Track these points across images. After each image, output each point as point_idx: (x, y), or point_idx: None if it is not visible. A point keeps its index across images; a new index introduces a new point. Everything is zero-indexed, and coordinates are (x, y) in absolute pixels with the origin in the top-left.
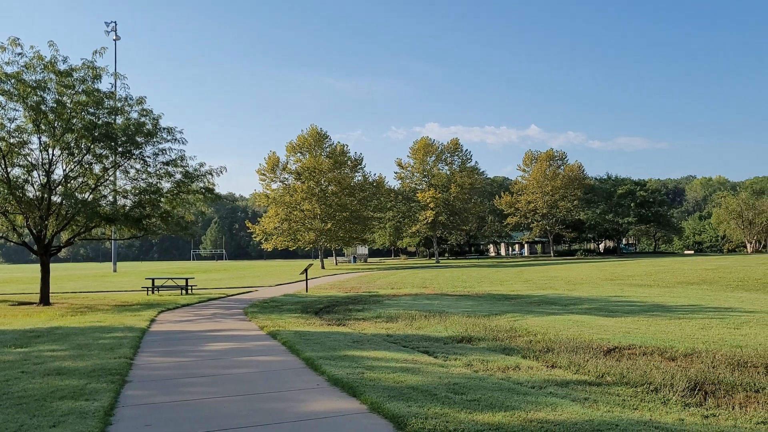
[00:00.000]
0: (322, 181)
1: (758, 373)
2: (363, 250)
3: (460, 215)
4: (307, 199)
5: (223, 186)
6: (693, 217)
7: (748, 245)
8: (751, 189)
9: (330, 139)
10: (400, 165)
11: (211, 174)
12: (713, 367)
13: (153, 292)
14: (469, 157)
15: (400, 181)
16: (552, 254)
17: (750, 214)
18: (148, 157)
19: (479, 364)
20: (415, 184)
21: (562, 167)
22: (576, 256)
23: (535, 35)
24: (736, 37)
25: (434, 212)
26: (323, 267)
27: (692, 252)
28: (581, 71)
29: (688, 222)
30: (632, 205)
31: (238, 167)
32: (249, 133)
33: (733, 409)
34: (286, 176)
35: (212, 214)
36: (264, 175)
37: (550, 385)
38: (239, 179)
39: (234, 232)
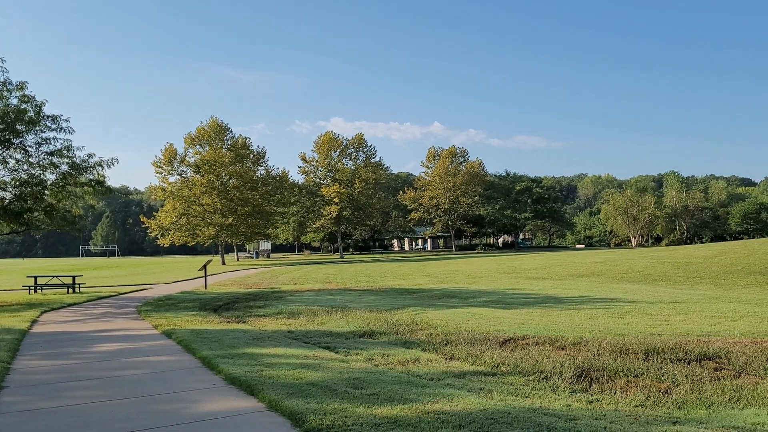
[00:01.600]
0: (223, 175)
1: (638, 359)
2: (266, 245)
3: (365, 210)
4: (207, 192)
5: (115, 179)
6: (584, 213)
7: (633, 239)
8: (635, 187)
9: (231, 131)
10: (304, 159)
11: (101, 165)
12: (598, 355)
13: (36, 291)
14: (373, 152)
15: (304, 176)
16: (453, 249)
17: (634, 210)
18: (30, 146)
19: (380, 358)
20: (320, 178)
21: (463, 164)
22: (476, 251)
23: (436, 34)
24: (628, 39)
25: (339, 207)
26: (224, 263)
27: (583, 246)
28: (483, 71)
29: (580, 218)
30: (529, 201)
31: (132, 159)
32: (144, 124)
33: (615, 393)
34: (185, 169)
35: (103, 208)
36: (160, 167)
37: (448, 376)
38: (133, 172)
39: (128, 227)
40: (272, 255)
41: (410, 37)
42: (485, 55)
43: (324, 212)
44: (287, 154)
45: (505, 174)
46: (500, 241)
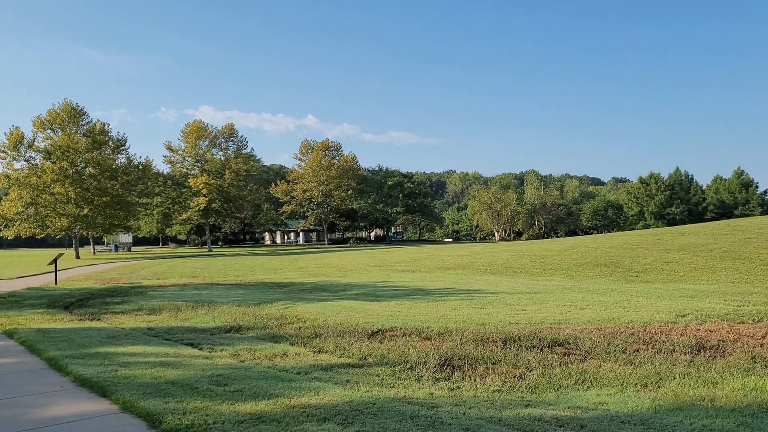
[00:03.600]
0: (78, 162)
1: (497, 347)
2: (126, 238)
3: (235, 202)
4: (59, 181)
5: None
6: (452, 208)
7: (496, 234)
8: (499, 184)
9: (88, 116)
10: (170, 148)
11: None
12: (461, 344)
13: None
14: (245, 143)
15: (170, 165)
16: (326, 242)
17: (498, 206)
18: None
19: (246, 353)
20: (187, 169)
21: (337, 158)
22: (349, 244)
23: (313, 27)
24: (496, 42)
25: (207, 199)
26: (78, 257)
27: (451, 240)
28: (357, 65)
29: (448, 212)
30: (401, 196)
31: None
32: None
33: (475, 380)
34: (33, 155)
35: None
36: (5, 152)
37: (316, 370)
38: None
39: None
40: (134, 248)
41: (281, 27)
42: (359, 52)
43: (191, 204)
44: (152, 143)
45: (378, 169)
46: (372, 234)
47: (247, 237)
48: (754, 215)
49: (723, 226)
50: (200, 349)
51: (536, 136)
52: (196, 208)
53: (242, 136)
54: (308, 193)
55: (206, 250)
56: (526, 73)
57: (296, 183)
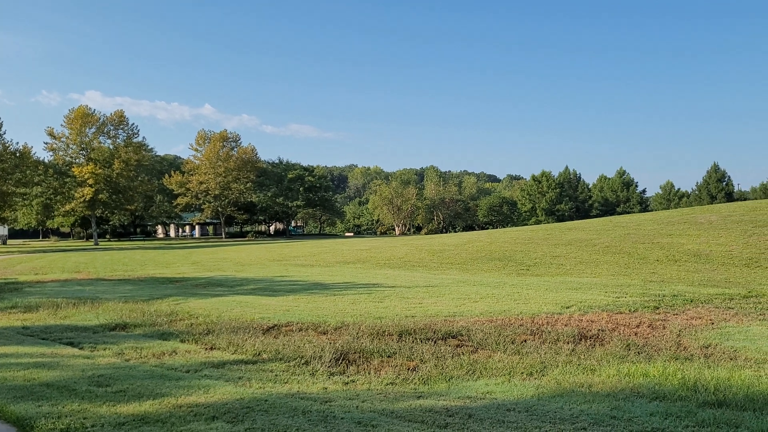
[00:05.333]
0: None
1: (393, 340)
2: (1, 230)
3: (125, 194)
4: None
5: None
6: (354, 202)
7: (397, 228)
8: (400, 179)
9: None
10: (52, 135)
11: None
12: (358, 338)
13: None
14: (136, 131)
15: (52, 153)
16: (223, 236)
17: (399, 201)
18: None
19: (132, 352)
20: (71, 157)
21: (235, 149)
22: (247, 238)
23: (212, 10)
24: (388, 36)
25: (93, 189)
26: None
27: (352, 234)
28: (257, 55)
29: (350, 207)
30: (301, 189)
31: None
32: None
33: (369, 374)
34: None
35: None
36: None
37: (207, 367)
38: None
39: None
40: (9, 241)
41: (179, 13)
42: (260, 42)
43: (76, 194)
44: (32, 128)
45: (278, 161)
46: (272, 228)
47: (138, 230)
48: (634, 212)
49: (606, 223)
50: (81, 348)
51: (436, 133)
52: (81, 199)
53: (133, 123)
54: (205, 185)
55: (92, 243)
56: (422, 71)
57: (192, 174)
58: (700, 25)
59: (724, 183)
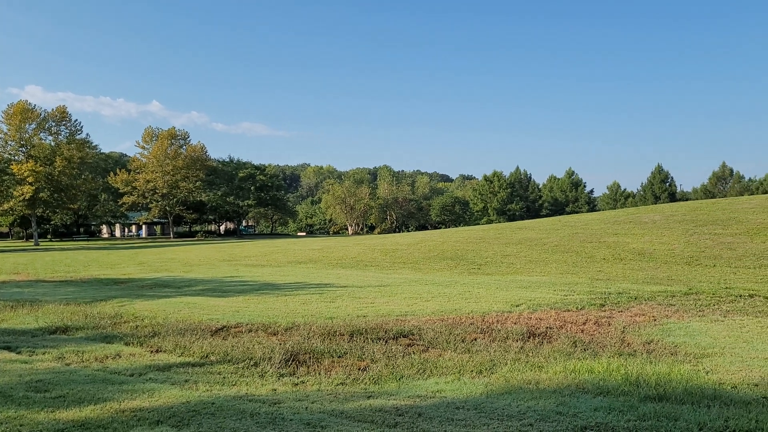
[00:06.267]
0: None
1: (344, 340)
2: None
3: (67, 192)
4: None
5: None
6: (306, 201)
7: (350, 228)
8: (353, 178)
9: None
10: None
11: None
12: (308, 338)
13: None
14: (79, 128)
15: None
16: (172, 236)
17: (352, 200)
18: None
19: (73, 355)
20: (10, 154)
21: (184, 147)
22: (196, 238)
23: (160, 10)
24: (336, 36)
25: (34, 188)
26: None
27: (304, 234)
28: (206, 52)
29: (302, 206)
30: (252, 188)
31: None
32: None
33: (320, 374)
34: None
35: None
36: None
37: (152, 370)
38: None
39: None
40: None
41: (123, 6)
42: (210, 39)
43: (15, 193)
44: None
45: (228, 160)
46: (222, 228)
47: (82, 230)
48: (582, 212)
49: (555, 222)
50: (19, 353)
51: (390, 133)
52: (21, 198)
53: (76, 120)
54: (152, 184)
55: (32, 243)
56: (375, 72)
57: (139, 172)
58: (646, 25)
59: (668, 184)
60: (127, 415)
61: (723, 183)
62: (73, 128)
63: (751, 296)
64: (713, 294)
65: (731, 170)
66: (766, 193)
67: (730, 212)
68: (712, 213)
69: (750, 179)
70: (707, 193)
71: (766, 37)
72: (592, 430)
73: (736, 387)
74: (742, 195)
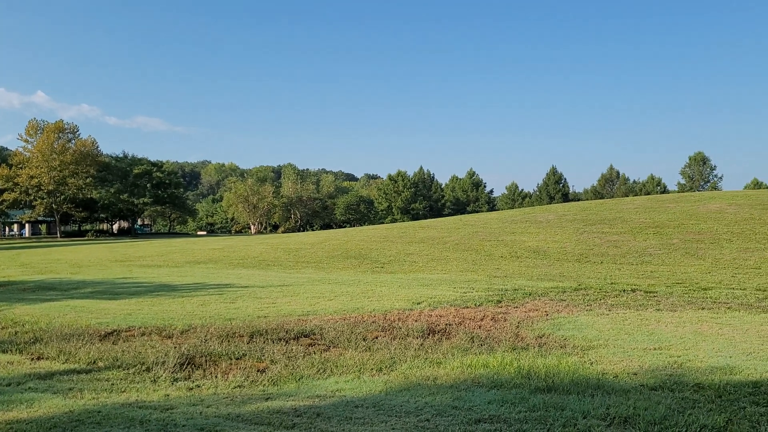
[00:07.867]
0: None
1: (243, 341)
2: None
3: None
4: None
5: None
6: (207, 199)
7: (253, 227)
8: (256, 176)
9: None
10: None
11: None
12: (206, 341)
13: None
14: None
15: None
16: (59, 235)
17: (255, 198)
18: None
19: None
20: None
21: (73, 141)
22: (87, 237)
23: None
24: (241, 25)
25: None
26: None
27: (205, 233)
28: (98, 37)
29: (203, 204)
30: (149, 185)
31: None
32: None
33: (216, 377)
34: None
35: None
36: None
37: (32, 379)
38: None
39: None
40: None
41: None
42: (101, 22)
43: None
44: None
45: (122, 155)
46: (115, 227)
47: None
48: (483, 211)
49: (456, 221)
50: None
51: (294, 131)
52: None
53: None
54: (36, 180)
55: None
56: (279, 69)
57: (21, 168)
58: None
59: (561, 185)
60: (3, 428)
61: (611, 184)
62: None
63: (633, 291)
64: (600, 289)
65: (618, 172)
66: (648, 194)
67: (617, 212)
68: (601, 213)
69: (634, 181)
70: (596, 193)
71: (659, 41)
72: (485, 422)
73: (617, 376)
74: (627, 196)
